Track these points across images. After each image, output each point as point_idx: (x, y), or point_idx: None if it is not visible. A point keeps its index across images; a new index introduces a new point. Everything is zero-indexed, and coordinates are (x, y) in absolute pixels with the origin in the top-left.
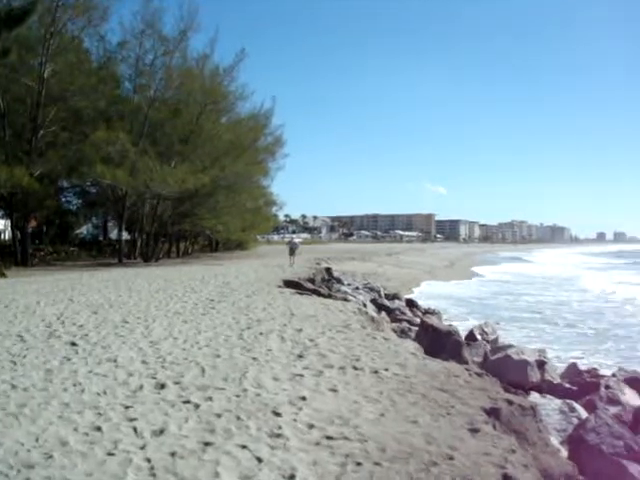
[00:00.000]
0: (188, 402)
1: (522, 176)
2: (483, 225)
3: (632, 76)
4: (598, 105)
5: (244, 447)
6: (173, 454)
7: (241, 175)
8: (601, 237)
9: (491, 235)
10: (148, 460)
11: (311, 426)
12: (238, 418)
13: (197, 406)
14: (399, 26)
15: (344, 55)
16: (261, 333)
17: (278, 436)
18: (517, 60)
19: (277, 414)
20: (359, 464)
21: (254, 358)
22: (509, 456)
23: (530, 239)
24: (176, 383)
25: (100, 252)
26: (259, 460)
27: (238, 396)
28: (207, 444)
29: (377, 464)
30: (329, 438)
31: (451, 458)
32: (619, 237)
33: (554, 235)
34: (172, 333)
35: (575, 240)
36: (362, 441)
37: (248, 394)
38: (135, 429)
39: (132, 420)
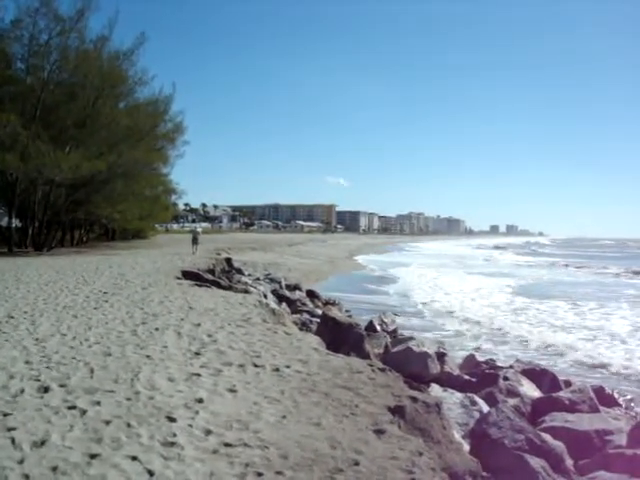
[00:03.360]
0: (74, 408)
1: (420, 170)
2: (382, 217)
3: (531, 73)
4: (497, 104)
5: (134, 459)
6: (54, 469)
7: (139, 162)
8: (494, 229)
9: (390, 227)
10: (26, 477)
11: (208, 432)
12: (129, 425)
13: (84, 412)
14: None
15: (250, 48)
16: (156, 329)
17: (172, 445)
18: (419, 58)
19: (171, 419)
20: (260, 474)
21: (148, 356)
22: (416, 459)
23: (427, 231)
24: (62, 386)
25: None
26: (150, 473)
27: (129, 400)
28: (93, 456)
29: (279, 473)
30: (227, 445)
31: (357, 464)
32: (511, 229)
33: (450, 227)
34: (60, 329)
35: (470, 232)
36: (263, 448)
37: (140, 397)
38: (13, 440)
39: (10, 430)
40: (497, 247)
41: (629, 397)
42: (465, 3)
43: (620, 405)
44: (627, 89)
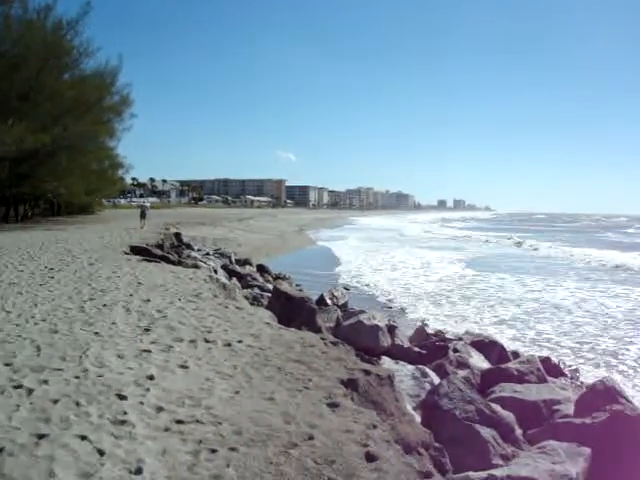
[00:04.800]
0: (20, 387)
1: (369, 146)
2: (332, 191)
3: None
4: (448, 80)
5: (84, 438)
6: (1, 450)
7: (85, 135)
8: (442, 204)
9: (339, 201)
10: None
11: (160, 409)
12: (77, 404)
13: (30, 391)
14: None
15: (203, 20)
16: (105, 305)
17: (123, 423)
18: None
19: (122, 397)
20: (214, 451)
21: (96, 333)
22: (370, 432)
23: (376, 205)
24: (7, 365)
25: None
26: (100, 453)
27: (78, 378)
28: (41, 436)
29: (233, 449)
30: (180, 422)
31: (311, 438)
32: (458, 204)
33: (399, 202)
34: (4, 306)
35: (418, 207)
36: (216, 424)
37: (89, 375)
38: None
39: None
40: (414, 221)
41: (574, 367)
42: None
43: (566, 375)
44: (577, 63)
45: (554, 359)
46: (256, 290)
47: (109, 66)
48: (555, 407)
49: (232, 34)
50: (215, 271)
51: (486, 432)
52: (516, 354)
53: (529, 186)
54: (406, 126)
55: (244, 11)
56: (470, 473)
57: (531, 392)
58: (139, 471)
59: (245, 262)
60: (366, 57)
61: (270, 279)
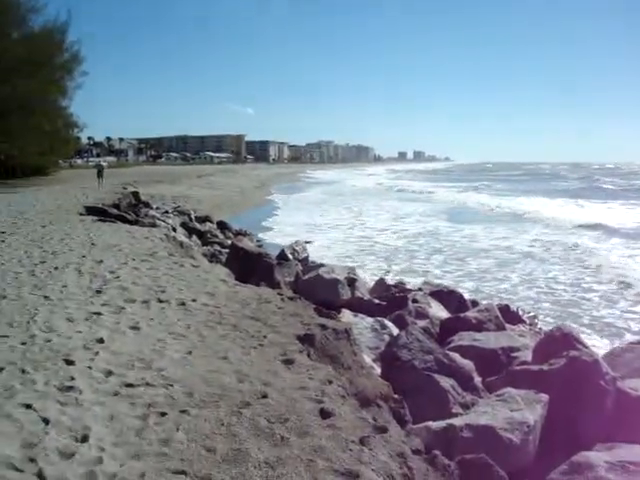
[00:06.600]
0: None
1: (328, 98)
2: (292, 146)
3: None
4: (409, 30)
5: (28, 407)
6: None
7: (35, 94)
8: (402, 156)
9: (300, 155)
10: None
11: (109, 373)
12: (23, 371)
13: None
14: None
15: None
16: (56, 268)
17: (69, 389)
18: None
19: (69, 362)
20: (163, 414)
21: (46, 297)
22: (326, 388)
23: (337, 159)
24: None
25: None
26: (46, 422)
27: (24, 344)
28: None
29: (183, 412)
30: (129, 386)
31: (265, 396)
32: (418, 156)
33: (359, 155)
34: None
35: (379, 159)
36: (167, 386)
37: (36, 341)
38: None
39: None
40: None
41: (532, 314)
42: None
43: (525, 322)
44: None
45: (513, 307)
46: (216, 247)
47: (58, 23)
48: (513, 354)
49: None
50: (174, 229)
51: (445, 381)
52: (475, 303)
53: (491, 138)
54: (366, 78)
55: None
56: (430, 423)
57: (489, 340)
58: (85, 438)
59: (205, 219)
60: (324, 2)
61: (231, 235)
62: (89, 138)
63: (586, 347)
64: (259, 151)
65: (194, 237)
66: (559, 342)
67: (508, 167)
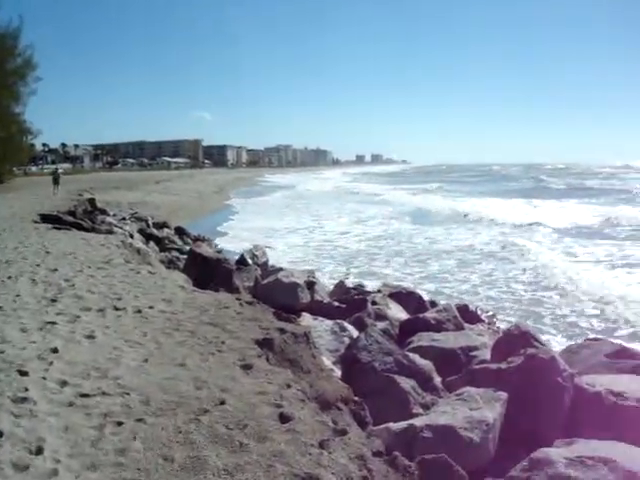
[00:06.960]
0: None
1: (286, 101)
2: (250, 150)
3: None
4: (355, 37)
5: None
6: None
7: None
8: (360, 159)
9: (258, 160)
10: None
11: (63, 383)
12: None
13: None
14: None
15: None
16: (9, 277)
17: (23, 400)
18: None
19: (23, 373)
20: (120, 424)
21: None
22: (285, 392)
23: (295, 163)
24: None
25: None
26: None
27: None
28: None
29: (140, 420)
30: (84, 396)
31: (223, 402)
32: (376, 159)
33: (318, 158)
34: None
35: (337, 162)
36: (123, 395)
37: None
38: None
39: None
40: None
41: (491, 313)
42: None
43: (483, 321)
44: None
45: (471, 306)
46: (174, 253)
47: (10, 28)
48: (472, 353)
49: None
50: (131, 236)
51: (405, 382)
52: (434, 303)
53: (447, 141)
54: (324, 80)
55: None
56: (390, 424)
57: (449, 340)
58: (40, 450)
59: (163, 225)
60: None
61: (190, 241)
62: (44, 145)
63: (543, 344)
64: (217, 156)
65: (152, 243)
66: (517, 340)
67: (461, 169)
